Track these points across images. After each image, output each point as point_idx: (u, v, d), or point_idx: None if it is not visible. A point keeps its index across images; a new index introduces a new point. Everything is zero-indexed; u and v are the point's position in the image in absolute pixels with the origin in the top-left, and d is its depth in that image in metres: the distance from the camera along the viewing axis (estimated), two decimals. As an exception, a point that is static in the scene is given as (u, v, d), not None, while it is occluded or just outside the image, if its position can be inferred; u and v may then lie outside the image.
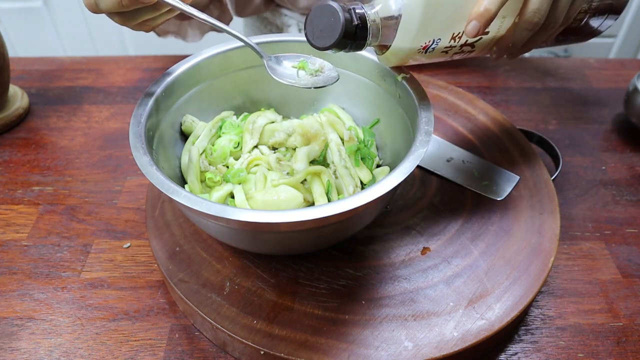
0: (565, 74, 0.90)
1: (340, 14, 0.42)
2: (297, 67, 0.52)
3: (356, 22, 0.43)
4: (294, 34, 0.59)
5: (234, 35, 0.50)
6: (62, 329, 0.51)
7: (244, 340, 0.46)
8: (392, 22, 0.44)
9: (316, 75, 0.51)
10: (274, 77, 0.50)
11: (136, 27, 0.48)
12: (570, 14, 0.47)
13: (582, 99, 0.84)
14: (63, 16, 1.66)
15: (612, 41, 1.73)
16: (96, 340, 0.50)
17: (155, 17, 0.48)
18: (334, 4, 0.43)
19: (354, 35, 0.43)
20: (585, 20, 0.52)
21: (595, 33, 0.55)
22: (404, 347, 0.45)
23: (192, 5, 0.65)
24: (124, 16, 0.46)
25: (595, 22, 0.53)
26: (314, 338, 0.46)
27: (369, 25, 0.44)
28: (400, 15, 0.43)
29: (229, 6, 0.84)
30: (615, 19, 0.54)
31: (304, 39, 0.60)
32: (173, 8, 0.46)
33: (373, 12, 0.44)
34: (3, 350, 0.50)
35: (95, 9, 0.45)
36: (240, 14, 0.93)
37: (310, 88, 0.50)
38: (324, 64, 0.52)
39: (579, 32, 0.54)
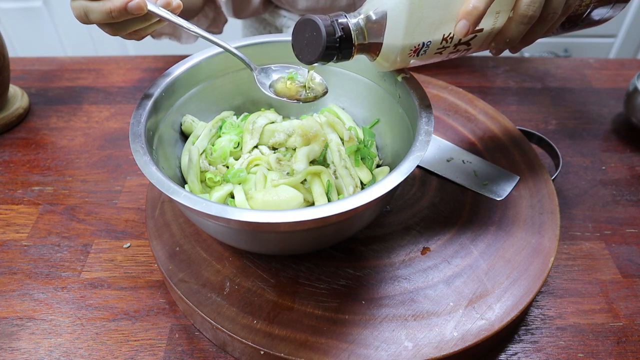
0: (565, 74, 0.90)
1: (322, 28, 0.42)
2: (286, 79, 0.52)
3: (339, 34, 0.42)
4: (288, 35, 0.59)
5: (223, 47, 0.50)
6: (62, 329, 0.51)
7: (244, 340, 0.46)
8: (377, 29, 0.43)
9: (305, 88, 0.51)
10: (263, 90, 0.50)
11: (127, 37, 0.49)
12: (571, 3, 0.45)
13: (582, 99, 0.84)
14: (63, 16, 1.66)
15: (612, 41, 1.72)
16: (96, 340, 0.50)
17: (145, 27, 0.48)
18: (315, 18, 0.42)
19: (338, 47, 0.43)
20: (590, 8, 0.50)
21: (604, 20, 0.54)
22: (404, 347, 0.45)
23: (185, 6, 0.65)
24: (114, 27, 0.47)
25: (602, 10, 0.51)
26: (314, 338, 0.46)
27: (353, 35, 0.43)
28: (385, 22, 0.43)
29: (224, 8, 0.84)
30: (624, 6, 0.52)
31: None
32: (162, 19, 0.47)
33: (356, 22, 0.43)
34: (3, 350, 0.50)
35: (85, 20, 0.45)
36: (238, 15, 0.93)
37: (299, 103, 0.50)
38: (313, 76, 0.52)
39: (586, 20, 0.52)
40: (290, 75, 0.52)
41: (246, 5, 0.90)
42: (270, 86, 0.51)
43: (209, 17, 0.83)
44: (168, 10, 0.46)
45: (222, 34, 0.94)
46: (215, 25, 0.86)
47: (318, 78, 0.52)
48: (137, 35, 0.49)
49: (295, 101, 0.51)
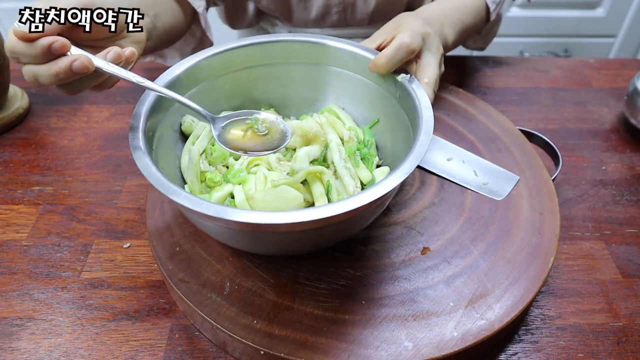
0: (565, 74, 0.90)
1: None
2: (244, 129, 0.50)
3: None
4: (289, 34, 0.59)
5: (179, 100, 0.49)
6: (62, 329, 0.51)
7: (244, 340, 0.46)
8: None
9: (265, 136, 0.50)
10: (222, 147, 0.48)
11: (92, 90, 0.47)
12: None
13: (582, 99, 0.84)
14: (63, 16, 1.66)
15: (612, 41, 1.72)
16: (96, 340, 0.50)
17: (102, 81, 0.46)
18: None
19: None
20: None
21: None
22: (404, 347, 0.45)
23: (170, 27, 0.64)
24: (67, 88, 0.45)
25: None
26: (314, 338, 0.46)
27: None
28: None
29: (220, 17, 0.84)
30: None
31: (301, 38, 0.60)
32: (112, 75, 0.44)
33: None
34: (3, 350, 0.50)
35: (37, 84, 0.43)
36: (234, 26, 0.94)
37: (259, 153, 0.49)
38: (275, 122, 0.51)
39: None
40: (250, 124, 0.51)
41: (240, 16, 0.91)
42: (227, 139, 0.49)
43: (196, 37, 0.81)
44: (119, 63, 0.44)
45: (216, 38, 0.94)
46: (202, 47, 0.85)
47: (278, 120, 0.51)
48: (100, 89, 0.47)
49: (252, 153, 0.49)
